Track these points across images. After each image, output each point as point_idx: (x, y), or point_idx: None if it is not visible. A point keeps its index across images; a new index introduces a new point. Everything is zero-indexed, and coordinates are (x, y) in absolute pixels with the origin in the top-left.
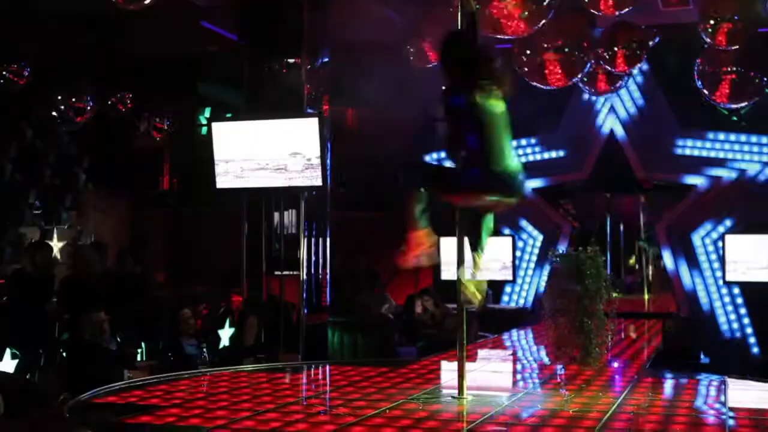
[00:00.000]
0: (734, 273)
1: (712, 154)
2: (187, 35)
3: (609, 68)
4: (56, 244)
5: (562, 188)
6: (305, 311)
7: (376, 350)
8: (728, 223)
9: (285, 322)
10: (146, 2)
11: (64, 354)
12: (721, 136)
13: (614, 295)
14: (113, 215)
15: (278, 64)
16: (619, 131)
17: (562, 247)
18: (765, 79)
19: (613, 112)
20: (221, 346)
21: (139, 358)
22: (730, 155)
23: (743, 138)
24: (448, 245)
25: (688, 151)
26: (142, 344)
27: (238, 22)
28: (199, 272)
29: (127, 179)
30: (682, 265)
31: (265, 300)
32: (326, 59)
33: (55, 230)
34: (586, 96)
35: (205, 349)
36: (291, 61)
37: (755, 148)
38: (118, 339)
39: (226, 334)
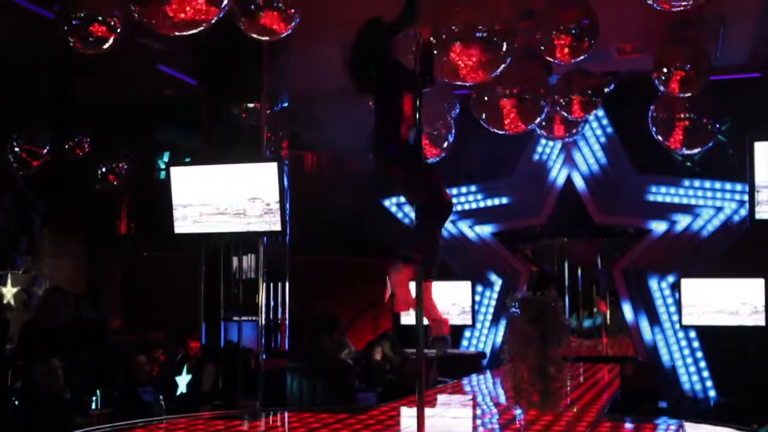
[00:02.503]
0: (691, 317)
1: (668, 199)
2: (144, 79)
3: (565, 114)
4: (9, 290)
5: (520, 233)
6: (263, 357)
7: (335, 396)
8: (684, 267)
9: (243, 368)
10: (105, 47)
11: (17, 402)
12: (676, 180)
13: (573, 339)
14: (69, 260)
15: (237, 109)
16: (576, 176)
17: (520, 292)
18: (717, 125)
19: (570, 158)
20: (178, 393)
21: (94, 406)
22: (685, 200)
23: (697, 183)
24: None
25: (645, 197)
26: (98, 392)
27: (196, 66)
28: (156, 318)
29: (83, 224)
30: (638, 309)
31: (223, 346)
32: (285, 104)
33: (9, 275)
34: (543, 141)
35: (161, 397)
36: (250, 105)
37: (709, 194)
38: (73, 386)
39: (183, 380)
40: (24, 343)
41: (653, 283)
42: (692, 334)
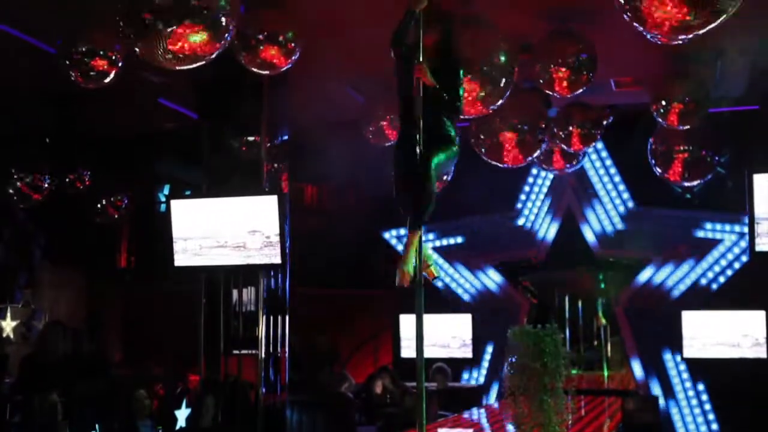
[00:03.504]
0: (692, 349)
1: (668, 231)
2: (145, 112)
3: (564, 147)
4: (9, 324)
5: (521, 265)
6: (263, 390)
7: (335, 430)
8: (684, 299)
9: (243, 401)
10: (106, 81)
11: None
12: (676, 213)
13: (573, 372)
14: (69, 293)
15: (237, 142)
16: (577, 209)
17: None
18: (716, 157)
19: (571, 190)
20: (177, 427)
21: None
22: (684, 232)
23: (697, 215)
24: (407, 321)
25: (644, 228)
26: (97, 426)
27: (196, 100)
28: (155, 351)
29: (83, 257)
30: (639, 342)
31: (222, 380)
32: (286, 137)
33: (8, 309)
34: (543, 174)
35: (161, 431)
36: (250, 138)
37: (708, 226)
38: (72, 420)
39: (182, 414)
40: (23, 377)
41: (654, 315)
42: (694, 366)
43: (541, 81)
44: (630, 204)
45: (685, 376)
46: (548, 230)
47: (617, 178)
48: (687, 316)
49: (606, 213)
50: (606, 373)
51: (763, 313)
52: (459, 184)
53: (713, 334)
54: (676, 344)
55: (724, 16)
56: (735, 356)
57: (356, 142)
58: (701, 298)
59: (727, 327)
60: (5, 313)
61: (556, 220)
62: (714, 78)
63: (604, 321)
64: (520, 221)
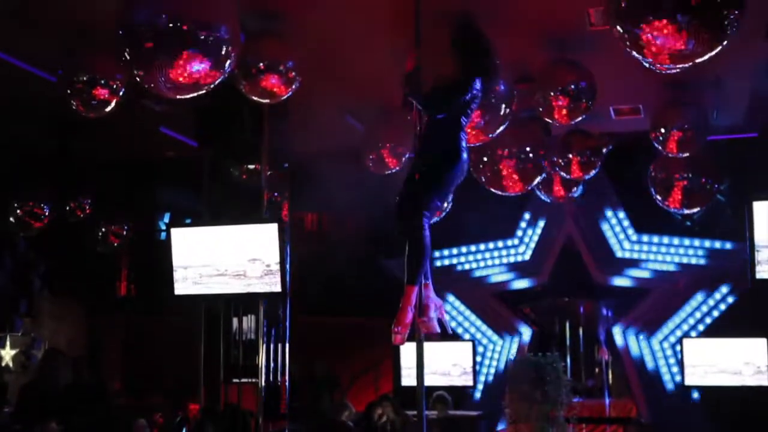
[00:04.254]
0: (693, 377)
1: (668, 258)
2: (146, 141)
3: (564, 175)
4: (8, 352)
5: (522, 293)
6: (263, 419)
7: None
8: (685, 327)
9: (243, 430)
10: (107, 110)
11: None
12: (676, 240)
13: (574, 399)
14: (69, 321)
15: (237, 170)
16: (576, 236)
17: (522, 353)
18: (716, 185)
19: (570, 218)
20: None
21: None
22: (685, 260)
23: (697, 243)
24: (408, 350)
25: (644, 256)
26: None
27: (197, 128)
28: (155, 380)
29: (83, 285)
30: (640, 369)
31: (222, 408)
32: (286, 165)
33: (8, 337)
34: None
35: None
36: (250, 167)
37: (709, 253)
38: None
39: None
40: (22, 406)
41: (654, 343)
42: (695, 394)
43: (541, 109)
44: (630, 231)
45: (687, 404)
46: (548, 258)
47: (617, 206)
48: (688, 344)
49: (606, 240)
50: (607, 401)
51: (764, 340)
52: (458, 211)
53: (715, 361)
54: (677, 372)
55: (723, 44)
56: (736, 384)
57: (356, 169)
58: (702, 325)
59: (729, 354)
60: (5, 341)
61: (556, 248)
62: (713, 106)
63: (608, 355)
64: (521, 249)
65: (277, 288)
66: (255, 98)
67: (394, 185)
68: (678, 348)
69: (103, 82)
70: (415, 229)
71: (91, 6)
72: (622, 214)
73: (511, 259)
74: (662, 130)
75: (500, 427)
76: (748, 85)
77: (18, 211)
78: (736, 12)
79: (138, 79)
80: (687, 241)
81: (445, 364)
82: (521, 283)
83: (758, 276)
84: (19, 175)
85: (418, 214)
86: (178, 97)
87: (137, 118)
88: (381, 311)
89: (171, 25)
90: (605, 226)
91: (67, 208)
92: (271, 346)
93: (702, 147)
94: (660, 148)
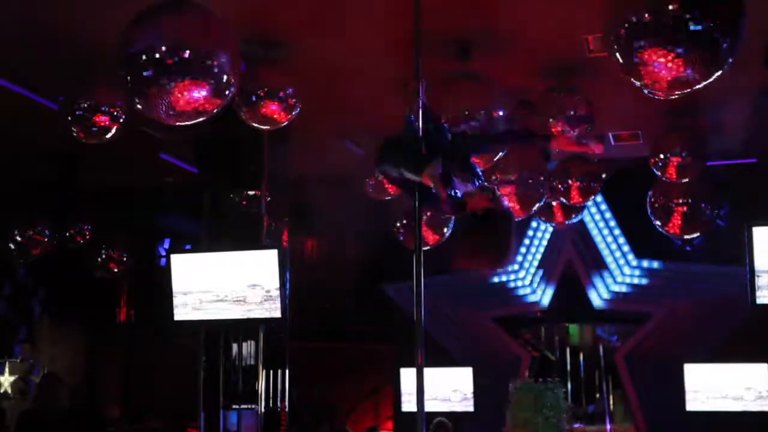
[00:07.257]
0: (695, 402)
1: (668, 284)
2: (146, 167)
3: (564, 201)
4: (7, 378)
5: (522, 318)
6: None
7: None
8: (687, 352)
9: None
10: (108, 137)
11: None
12: (676, 265)
13: (576, 425)
14: (68, 348)
15: (237, 196)
16: (577, 262)
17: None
18: (716, 210)
19: (570, 243)
20: None
21: None
22: (685, 285)
23: (697, 268)
24: (407, 375)
25: (644, 281)
26: None
27: (197, 155)
28: (154, 406)
29: (82, 311)
30: (641, 395)
31: None
32: (286, 191)
33: (6, 364)
34: (543, 227)
35: None
36: (250, 193)
37: (709, 278)
38: None
39: None
40: None
41: (656, 368)
42: (697, 419)
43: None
44: (630, 257)
45: (689, 429)
46: (548, 283)
47: (617, 231)
48: (689, 369)
49: (606, 266)
50: (609, 427)
51: (765, 366)
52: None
53: (716, 387)
54: (678, 397)
55: (721, 71)
56: (738, 409)
57: (356, 195)
58: (702, 350)
59: (730, 380)
60: (3, 367)
61: (556, 274)
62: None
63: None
64: (521, 274)
65: (277, 313)
66: (255, 125)
67: (394, 211)
68: (679, 373)
69: (103, 109)
70: None
71: (92, 35)
72: (621, 240)
73: (511, 285)
74: (661, 156)
75: None
76: (746, 110)
77: (17, 237)
78: (735, 39)
79: (138, 107)
80: (687, 267)
81: (446, 390)
82: (521, 308)
83: (758, 301)
84: (19, 202)
85: None
86: (178, 124)
87: (137, 144)
88: (381, 337)
89: (172, 52)
90: (605, 252)
91: (67, 234)
92: (271, 372)
93: (701, 172)
94: (659, 173)
